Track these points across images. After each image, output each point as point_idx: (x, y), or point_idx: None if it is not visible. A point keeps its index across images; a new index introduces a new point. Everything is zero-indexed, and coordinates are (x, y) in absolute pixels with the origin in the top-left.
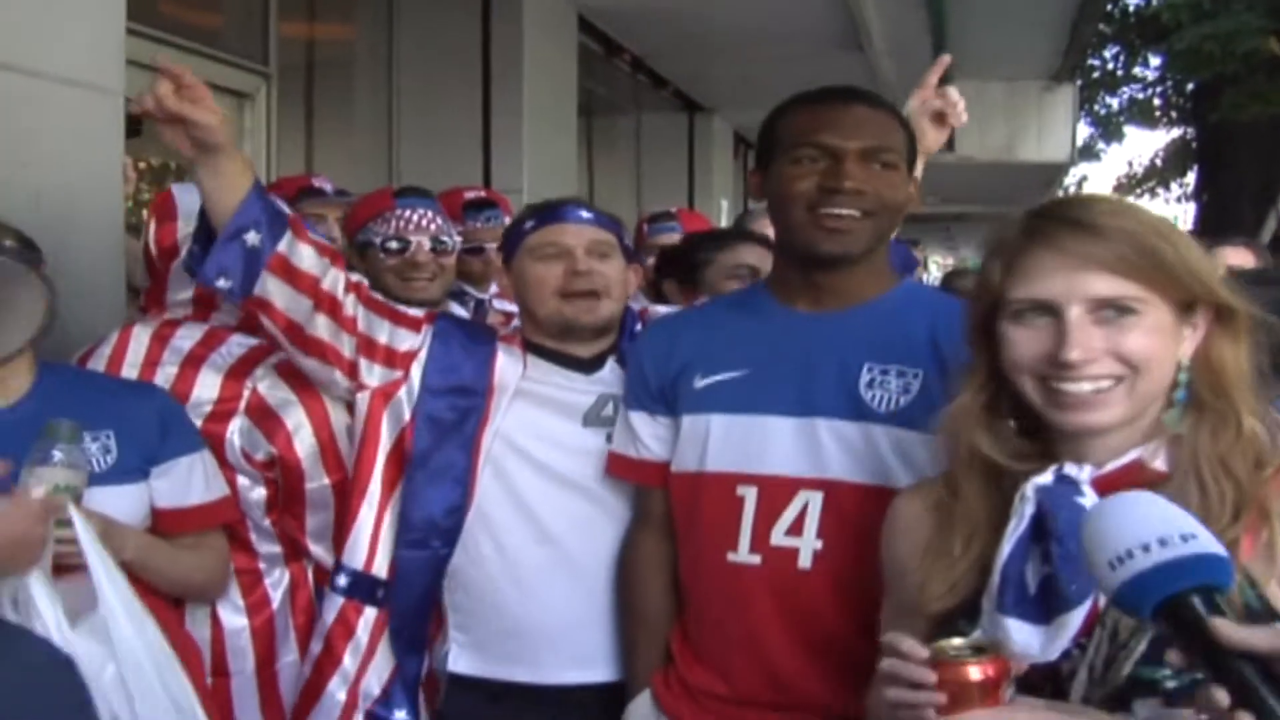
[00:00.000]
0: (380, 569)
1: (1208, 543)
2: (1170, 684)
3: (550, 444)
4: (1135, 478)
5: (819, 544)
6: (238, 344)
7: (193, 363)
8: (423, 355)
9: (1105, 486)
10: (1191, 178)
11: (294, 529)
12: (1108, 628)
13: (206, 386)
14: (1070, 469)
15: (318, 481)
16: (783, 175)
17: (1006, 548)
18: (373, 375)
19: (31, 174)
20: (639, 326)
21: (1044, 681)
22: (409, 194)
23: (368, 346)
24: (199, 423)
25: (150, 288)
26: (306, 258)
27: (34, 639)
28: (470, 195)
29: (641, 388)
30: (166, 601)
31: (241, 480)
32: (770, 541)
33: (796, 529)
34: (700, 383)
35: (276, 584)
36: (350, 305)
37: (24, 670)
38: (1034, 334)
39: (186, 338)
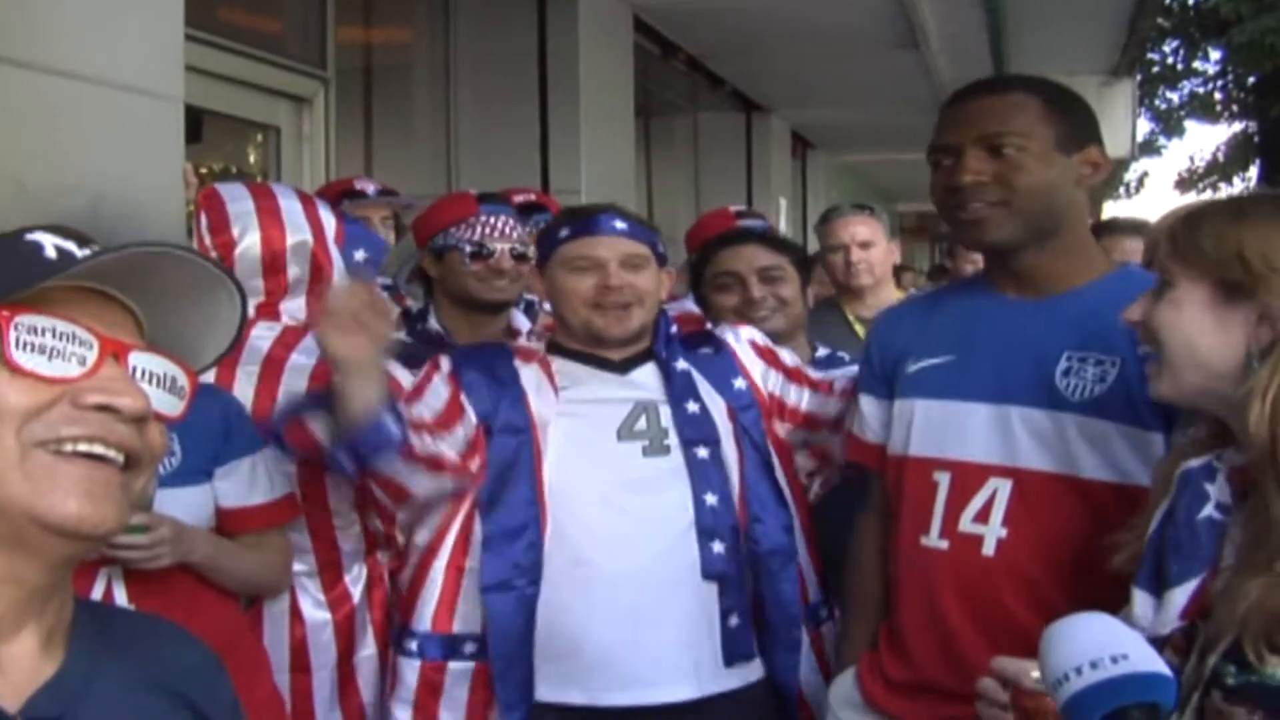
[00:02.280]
0: (465, 624)
1: (1140, 662)
2: (1231, 680)
3: (586, 461)
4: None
5: (1003, 532)
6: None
7: (274, 364)
8: (467, 405)
9: (1239, 477)
10: (1254, 172)
11: (385, 521)
12: (1213, 618)
13: (295, 384)
14: (1227, 455)
15: None
16: (932, 182)
17: (1152, 524)
18: (475, 461)
19: (92, 180)
20: (674, 329)
21: (1176, 654)
22: (490, 200)
23: (471, 452)
24: None
25: None
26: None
27: (194, 637)
28: (519, 199)
29: (869, 372)
30: (234, 602)
31: (330, 476)
32: (958, 527)
33: (984, 516)
34: (912, 367)
35: (356, 579)
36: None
37: (190, 660)
38: None
39: (263, 337)
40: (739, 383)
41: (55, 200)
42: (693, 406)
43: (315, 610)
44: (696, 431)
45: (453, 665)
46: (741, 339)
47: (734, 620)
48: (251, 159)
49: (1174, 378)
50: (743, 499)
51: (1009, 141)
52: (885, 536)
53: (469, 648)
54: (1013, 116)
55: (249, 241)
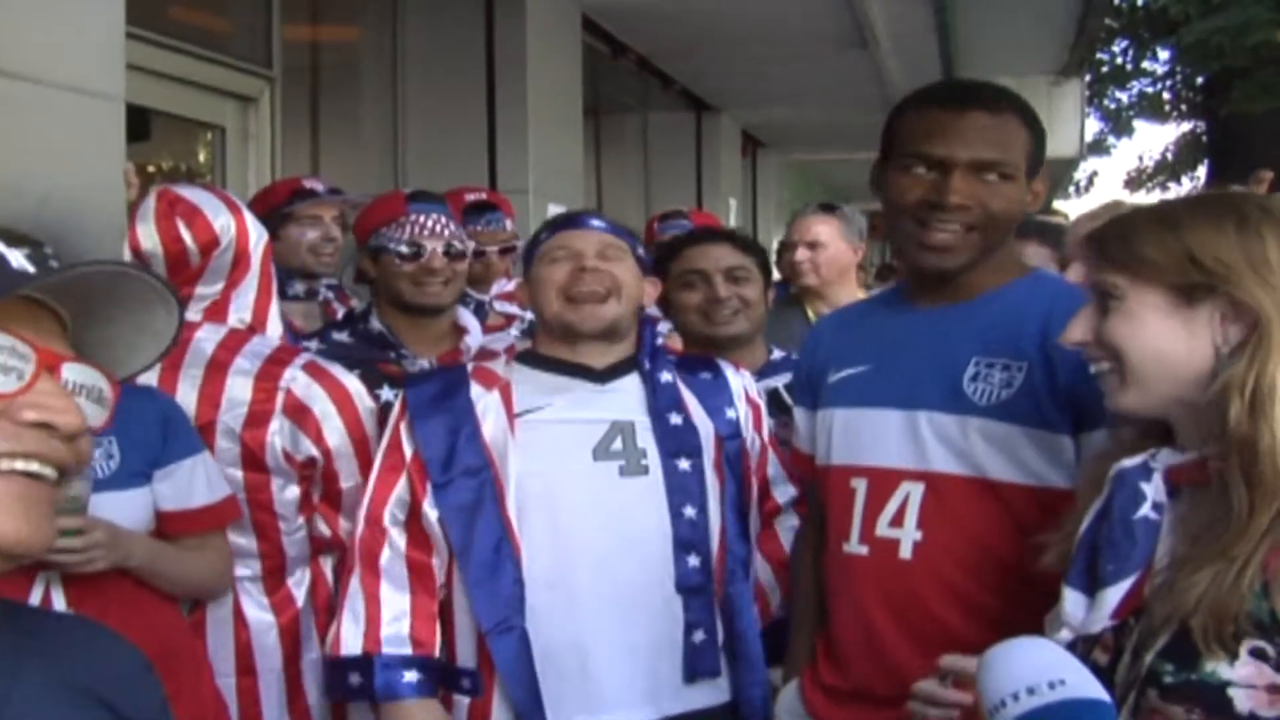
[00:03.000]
0: (464, 659)
1: (1078, 687)
2: (1168, 679)
3: (560, 482)
4: (1196, 473)
5: (919, 535)
6: (261, 344)
7: (218, 367)
8: (418, 452)
9: (1174, 476)
10: (1202, 171)
11: (332, 523)
12: (1148, 615)
13: (238, 390)
14: (1161, 455)
15: (351, 481)
16: (893, 182)
17: (1084, 523)
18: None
19: (32, 179)
20: (660, 340)
21: (1105, 652)
22: (421, 199)
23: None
24: (237, 428)
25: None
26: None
27: (123, 638)
28: (471, 198)
29: (799, 384)
30: (175, 605)
31: (275, 481)
32: (876, 533)
33: (898, 520)
34: (833, 378)
35: (299, 583)
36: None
37: (115, 663)
38: None
39: (208, 340)
40: (731, 413)
41: None
42: (676, 418)
43: (259, 613)
44: (678, 443)
45: (457, 699)
46: (741, 376)
47: (699, 636)
48: (198, 158)
49: (1143, 388)
50: (721, 525)
51: (1002, 170)
52: (820, 546)
53: (467, 682)
54: (1009, 144)
55: (229, 238)
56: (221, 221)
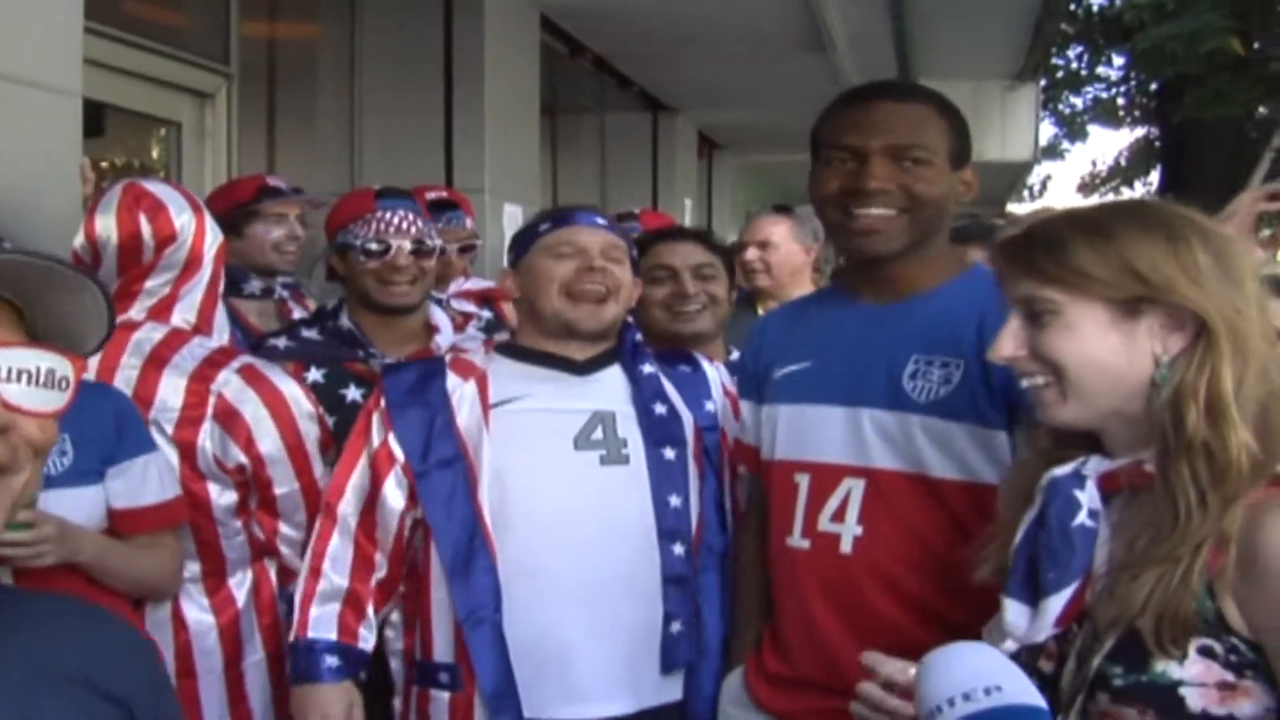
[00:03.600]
0: (441, 653)
1: (1014, 693)
2: (1118, 682)
3: (540, 471)
4: (1131, 478)
5: (859, 530)
6: (200, 346)
7: (155, 364)
8: (396, 448)
9: (1107, 482)
10: (1155, 177)
11: (267, 528)
12: (1092, 621)
13: (171, 391)
14: (1091, 463)
15: (287, 487)
16: (817, 178)
17: (1019, 533)
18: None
19: None
20: (639, 336)
21: (1050, 660)
22: (389, 195)
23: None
24: (169, 429)
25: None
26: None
27: (114, 617)
28: (432, 196)
29: (743, 378)
30: (124, 603)
31: (211, 486)
32: (818, 527)
33: (840, 515)
34: (778, 373)
35: (240, 584)
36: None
37: (115, 645)
38: None
39: (147, 339)
40: (710, 404)
41: None
42: (660, 408)
43: (199, 614)
44: (664, 433)
45: (435, 693)
46: (716, 368)
47: (676, 626)
48: (153, 154)
49: (1084, 401)
50: (700, 515)
51: (917, 154)
52: (764, 538)
53: (445, 676)
54: (922, 128)
55: (186, 236)
56: (183, 219)
